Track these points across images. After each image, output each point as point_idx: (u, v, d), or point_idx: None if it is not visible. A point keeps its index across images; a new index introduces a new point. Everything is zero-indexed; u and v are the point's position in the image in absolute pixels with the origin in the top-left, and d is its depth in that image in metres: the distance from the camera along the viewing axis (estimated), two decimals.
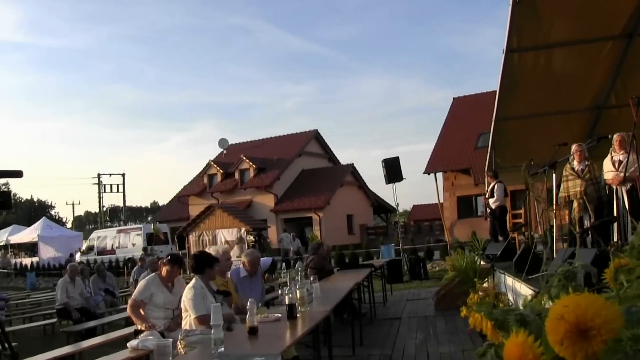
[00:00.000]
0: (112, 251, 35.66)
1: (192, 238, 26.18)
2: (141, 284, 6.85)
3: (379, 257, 21.58)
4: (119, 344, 9.11)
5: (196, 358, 3.86)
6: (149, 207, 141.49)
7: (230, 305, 6.86)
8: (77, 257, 35.39)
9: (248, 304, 4.81)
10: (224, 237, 24.90)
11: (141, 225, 36.83)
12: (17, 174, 3.30)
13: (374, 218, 46.43)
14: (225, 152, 45.05)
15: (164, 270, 6.82)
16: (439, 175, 32.43)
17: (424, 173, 32.26)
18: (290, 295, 5.50)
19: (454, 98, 39.03)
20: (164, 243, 33.67)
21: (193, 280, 6.19)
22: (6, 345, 3.51)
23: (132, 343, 6.51)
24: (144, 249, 27.04)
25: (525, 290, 7.98)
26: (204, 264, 6.27)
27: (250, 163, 40.10)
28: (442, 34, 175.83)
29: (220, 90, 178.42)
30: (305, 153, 42.61)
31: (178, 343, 5.88)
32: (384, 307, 12.98)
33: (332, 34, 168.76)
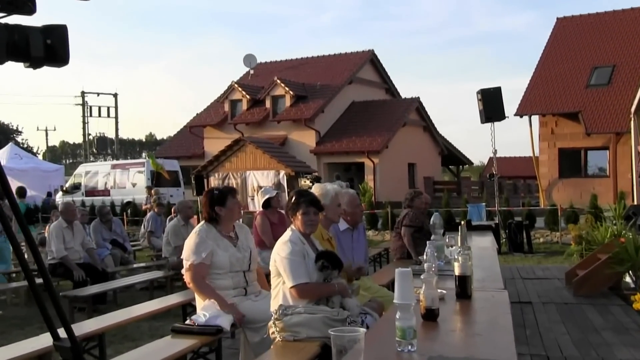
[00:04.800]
0: (106, 192, 35.17)
1: (213, 180, 25.58)
2: (192, 238, 6.04)
3: (465, 218, 20.65)
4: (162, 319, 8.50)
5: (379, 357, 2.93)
6: (144, 140, 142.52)
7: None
8: (58, 197, 34.85)
9: (425, 272, 3.93)
10: (257, 180, 24.23)
11: (144, 160, 35.89)
12: None
13: (442, 170, 45.60)
14: (252, 72, 44.11)
15: (222, 211, 6.08)
16: (535, 119, 31.61)
17: (516, 115, 31.12)
18: (462, 262, 4.59)
19: (557, 19, 37.36)
20: (173, 184, 33.05)
21: (289, 232, 5.47)
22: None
23: (198, 319, 5.78)
24: (148, 188, 26.25)
25: None
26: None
27: (286, 88, 39.24)
28: None
29: None
30: (358, 80, 41.59)
31: (270, 325, 5.21)
32: None
33: None
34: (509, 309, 4.36)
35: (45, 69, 2.45)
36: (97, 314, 8.08)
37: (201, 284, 5.90)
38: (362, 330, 2.93)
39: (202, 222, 6.16)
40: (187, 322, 5.98)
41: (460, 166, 48.97)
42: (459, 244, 4.87)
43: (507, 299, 4.74)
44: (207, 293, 5.87)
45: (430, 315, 3.89)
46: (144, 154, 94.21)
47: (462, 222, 5.75)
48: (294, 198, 5.55)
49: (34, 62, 2.31)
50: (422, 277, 3.93)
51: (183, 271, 6.04)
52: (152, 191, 26.13)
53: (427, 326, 3.77)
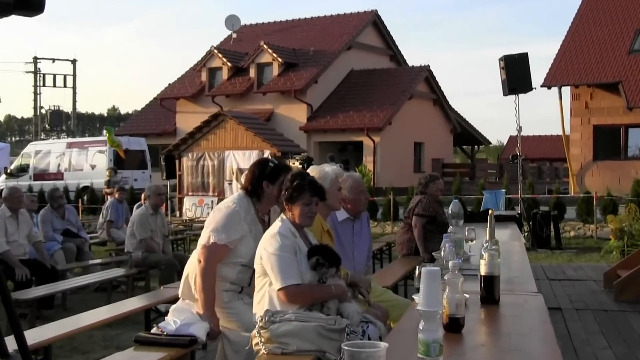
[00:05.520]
0: (59, 175, 34.95)
1: (186, 161, 25.49)
2: (229, 209, 5.73)
3: (479, 207, 20.59)
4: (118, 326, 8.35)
5: None
6: (106, 114, 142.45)
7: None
8: (0, 181, 34.61)
9: (450, 269, 3.93)
10: (237, 162, 24.12)
11: (106, 138, 35.86)
12: None
13: (453, 150, 45.65)
14: (234, 36, 44.26)
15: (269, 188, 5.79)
16: (566, 91, 31.51)
17: (543, 86, 31.02)
18: (489, 260, 4.53)
19: None
20: (139, 166, 32.94)
21: (278, 222, 5.38)
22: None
23: (167, 327, 5.64)
24: (113, 171, 25.98)
25: None
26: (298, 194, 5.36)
27: (274, 55, 39.33)
28: None
29: None
30: (358, 45, 41.67)
31: (254, 335, 5.12)
32: None
33: None
34: (548, 317, 4.26)
35: None
36: (41, 322, 7.92)
37: (211, 269, 5.64)
38: (383, 345, 2.80)
39: (240, 192, 5.91)
40: (154, 330, 5.83)
41: (476, 146, 49.00)
42: (488, 237, 4.67)
43: (544, 305, 4.65)
44: (207, 284, 5.63)
45: (455, 326, 3.80)
46: (105, 131, 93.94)
47: (491, 212, 5.53)
48: (296, 182, 5.36)
49: (1, 10, 2.10)
50: (445, 277, 3.83)
51: (200, 244, 5.74)
52: (107, 172, 25.89)
53: (449, 339, 3.61)
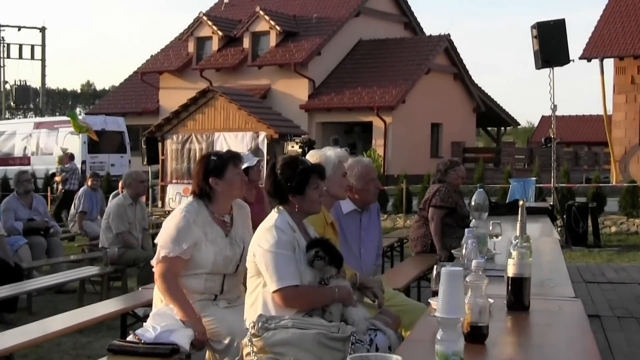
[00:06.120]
0: (25, 159, 34.99)
1: (170, 144, 25.36)
2: (175, 219, 5.84)
3: (504, 198, 20.59)
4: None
5: None
6: (79, 91, 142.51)
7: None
8: None
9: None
10: (228, 145, 23.95)
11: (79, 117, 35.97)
12: None
13: (476, 133, 45.56)
14: (226, 0, 44.52)
15: (218, 185, 5.88)
16: (609, 64, 31.45)
17: (582, 58, 30.93)
18: (518, 260, 4.47)
19: None
20: (117, 150, 32.91)
21: (275, 214, 5.37)
22: None
23: (145, 335, 5.58)
24: (68, 157, 25.70)
25: None
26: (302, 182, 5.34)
27: (271, 22, 39.41)
28: None
29: None
30: (367, 11, 41.72)
31: (245, 343, 5.10)
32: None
33: None
34: (589, 327, 4.21)
35: None
36: (3, 327, 7.92)
37: (171, 283, 5.77)
38: (396, 357, 2.73)
39: (189, 198, 6.03)
40: (130, 337, 5.79)
41: (502, 128, 48.91)
42: (518, 233, 4.60)
43: (583, 312, 4.60)
44: (174, 296, 5.74)
45: (477, 336, 3.76)
46: (78, 109, 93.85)
47: (522, 202, 5.45)
48: (299, 168, 5.36)
49: None
50: (467, 279, 3.77)
51: (153, 262, 5.90)
52: (57, 158, 25.72)
53: (471, 351, 3.53)
